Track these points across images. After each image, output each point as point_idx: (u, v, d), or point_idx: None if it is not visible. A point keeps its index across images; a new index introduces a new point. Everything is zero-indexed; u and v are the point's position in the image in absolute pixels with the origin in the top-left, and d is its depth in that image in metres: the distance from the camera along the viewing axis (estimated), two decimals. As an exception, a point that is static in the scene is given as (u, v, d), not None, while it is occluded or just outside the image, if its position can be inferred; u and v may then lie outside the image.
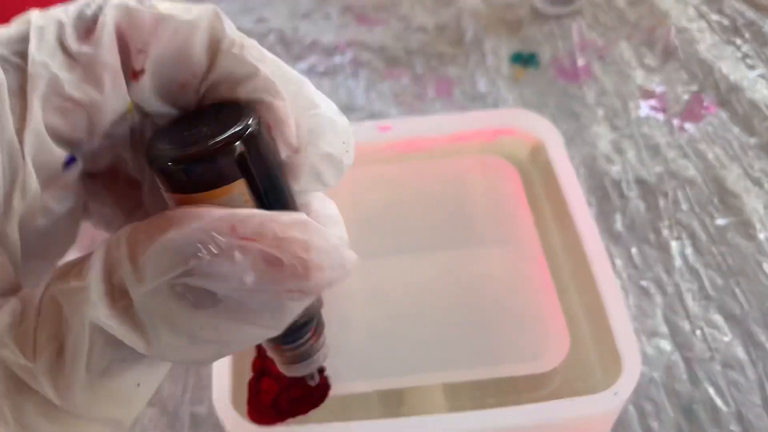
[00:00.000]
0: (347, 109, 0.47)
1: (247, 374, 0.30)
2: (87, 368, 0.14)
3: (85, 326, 0.14)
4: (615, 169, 0.42)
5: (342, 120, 0.18)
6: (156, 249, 0.14)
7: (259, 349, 0.30)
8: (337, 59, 0.50)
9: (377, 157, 0.38)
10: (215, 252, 0.14)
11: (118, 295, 0.14)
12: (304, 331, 0.20)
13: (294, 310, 0.15)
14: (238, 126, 0.15)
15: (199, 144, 0.15)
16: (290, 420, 0.28)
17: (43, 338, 0.14)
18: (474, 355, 0.30)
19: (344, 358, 0.30)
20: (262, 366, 0.30)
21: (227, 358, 0.28)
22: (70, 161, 0.16)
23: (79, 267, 0.15)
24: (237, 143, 0.15)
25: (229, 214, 0.14)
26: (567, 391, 0.29)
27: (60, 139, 0.16)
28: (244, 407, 0.29)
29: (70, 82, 0.15)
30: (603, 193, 0.41)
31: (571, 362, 0.30)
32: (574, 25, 0.52)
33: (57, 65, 0.15)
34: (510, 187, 0.36)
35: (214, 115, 0.16)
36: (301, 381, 0.28)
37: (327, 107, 0.18)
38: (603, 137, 0.44)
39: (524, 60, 0.49)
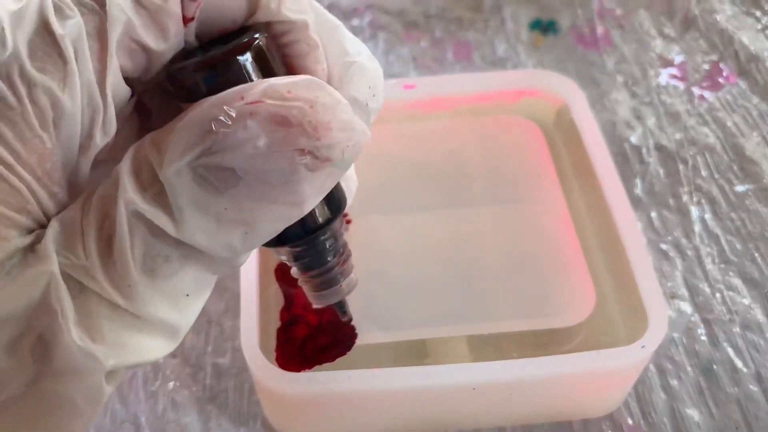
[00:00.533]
0: (365, 72, 0.47)
1: (274, 324, 0.30)
2: (134, 260, 0.15)
3: (123, 214, 0.15)
4: (635, 135, 0.42)
5: (371, 64, 0.19)
6: (175, 133, 0.15)
7: (287, 298, 0.30)
8: (356, 22, 0.50)
9: (401, 115, 0.38)
10: (227, 122, 0.15)
11: (147, 183, 0.15)
12: (328, 255, 0.20)
13: (312, 182, 0.16)
14: (244, 39, 0.17)
15: (207, 55, 0.17)
16: (317, 367, 0.28)
17: (91, 237, 0.15)
18: (498, 309, 0.31)
19: (371, 310, 0.30)
20: (290, 315, 0.30)
21: (255, 308, 0.28)
22: (131, 95, 0.17)
23: (112, 173, 0.16)
24: (242, 52, 0.16)
25: (237, 88, 0.15)
26: (590, 346, 0.29)
27: (125, 78, 0.16)
28: (271, 355, 0.29)
29: (140, 26, 0.16)
30: (623, 159, 0.41)
31: (595, 318, 0.30)
32: (593, -6, 0.51)
33: (130, 10, 0.16)
34: (534, 147, 0.36)
35: (231, 39, 0.17)
36: (328, 328, 0.28)
37: (356, 52, 0.19)
38: (623, 104, 0.44)
39: (544, 27, 0.49)
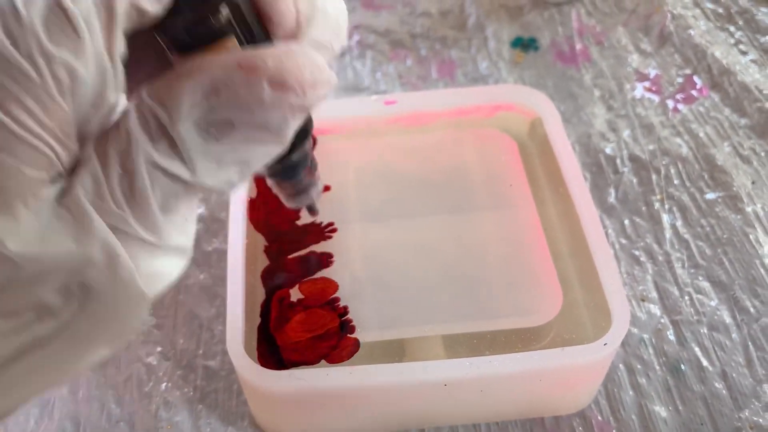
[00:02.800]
0: (354, 89, 0.49)
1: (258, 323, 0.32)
2: (156, 203, 0.18)
3: (143, 166, 0.18)
4: (610, 147, 0.44)
5: (333, 6, 0.21)
6: (181, 93, 0.18)
7: (268, 296, 0.32)
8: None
9: (383, 129, 0.40)
10: (229, 85, 0.18)
11: (157, 136, 0.18)
12: (300, 168, 0.24)
13: (293, 125, 0.19)
14: None
15: (192, 12, 0.19)
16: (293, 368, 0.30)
17: (116, 188, 0.18)
18: (472, 310, 0.32)
19: (352, 312, 0.32)
20: (273, 312, 0.32)
21: (240, 308, 0.30)
22: None
23: (115, 126, 0.18)
24: (222, 4, 0.18)
25: (232, 56, 0.18)
26: (559, 345, 0.31)
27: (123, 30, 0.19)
28: (255, 355, 0.31)
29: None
30: (598, 169, 0.43)
31: (563, 318, 0.32)
32: (573, 12, 0.54)
33: None
34: (508, 158, 0.38)
35: None
36: (324, 337, 0.30)
37: None
38: (599, 117, 0.46)
39: (524, 44, 0.51)
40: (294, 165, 0.24)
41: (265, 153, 0.20)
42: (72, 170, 0.18)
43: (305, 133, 0.23)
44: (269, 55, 0.18)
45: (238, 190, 0.35)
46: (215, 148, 0.18)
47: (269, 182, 0.25)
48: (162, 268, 0.19)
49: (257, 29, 0.20)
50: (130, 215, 0.18)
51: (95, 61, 0.17)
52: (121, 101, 0.19)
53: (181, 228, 0.19)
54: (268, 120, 0.18)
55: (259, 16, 0.20)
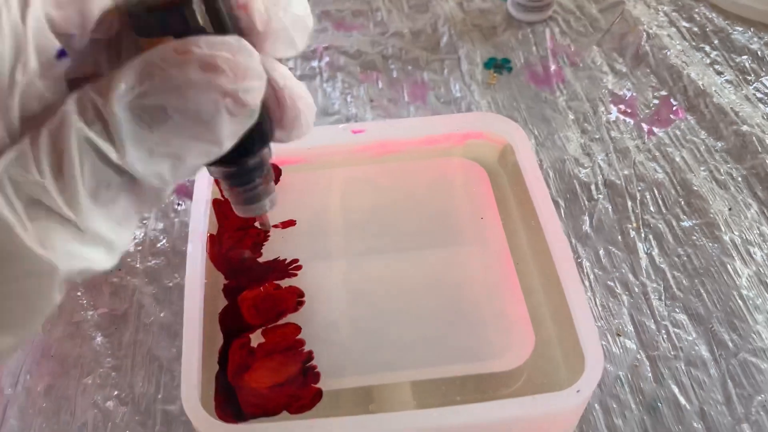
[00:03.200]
0: (324, 113, 0.48)
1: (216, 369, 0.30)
2: (83, 180, 0.18)
3: (74, 139, 0.18)
4: (584, 172, 0.43)
5: (299, 6, 0.21)
6: (116, 77, 0.18)
7: (228, 347, 0.31)
8: (314, 63, 0.51)
9: (350, 159, 0.38)
10: (163, 67, 0.18)
11: (91, 119, 0.18)
12: (255, 175, 0.24)
13: (229, 124, 0.19)
14: None
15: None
16: (254, 420, 0.28)
17: (43, 155, 0.18)
18: (441, 353, 0.31)
19: (316, 356, 0.30)
20: (234, 363, 0.30)
21: (196, 355, 0.29)
22: (61, 54, 0.19)
23: (52, 112, 0.18)
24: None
25: (171, 44, 0.18)
26: (532, 389, 0.30)
27: (55, 30, 0.18)
28: (212, 405, 0.29)
29: None
30: (572, 195, 0.42)
31: (536, 360, 0.31)
32: (547, 31, 0.53)
33: None
34: (479, 189, 0.37)
35: None
36: (282, 381, 0.29)
37: None
38: (573, 141, 0.45)
39: (498, 65, 0.50)
40: (249, 170, 0.23)
41: (200, 151, 0.19)
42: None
43: (262, 138, 0.22)
44: (204, 41, 0.19)
45: (195, 222, 0.34)
46: (148, 136, 0.18)
47: (222, 186, 0.24)
48: (82, 252, 0.19)
49: (227, 28, 0.20)
50: (54, 187, 0.18)
51: (12, 36, 0.17)
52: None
53: (115, 225, 0.19)
54: (200, 107, 0.18)
55: (231, 15, 0.20)
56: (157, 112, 0.18)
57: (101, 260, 0.19)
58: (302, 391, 0.29)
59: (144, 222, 0.41)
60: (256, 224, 0.28)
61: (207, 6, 0.19)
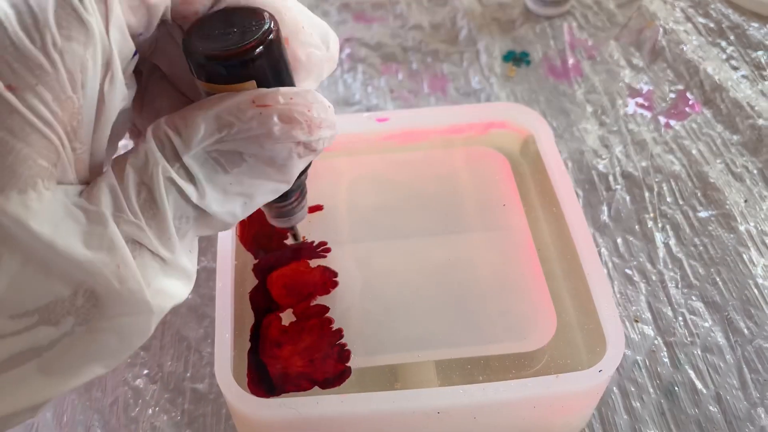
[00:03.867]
0: (345, 103, 0.48)
1: (248, 347, 0.31)
2: (170, 217, 0.19)
3: (161, 179, 0.19)
4: (602, 163, 0.44)
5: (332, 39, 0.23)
6: (196, 122, 0.19)
7: (257, 321, 0.31)
8: (335, 55, 0.52)
9: (375, 147, 0.39)
10: (241, 118, 0.19)
11: (171, 160, 0.19)
12: (291, 194, 0.26)
13: (299, 166, 0.21)
14: (260, 31, 0.20)
15: (230, 44, 0.19)
16: (286, 395, 0.29)
17: (133, 199, 0.18)
18: (465, 334, 0.32)
19: (345, 337, 0.31)
20: (261, 339, 0.31)
21: (228, 332, 0.30)
22: (134, 54, 0.20)
23: (132, 149, 0.19)
24: (260, 47, 0.19)
25: (248, 94, 0.19)
26: (553, 370, 0.31)
27: (131, 33, 0.19)
28: (245, 380, 0.30)
29: None
30: (590, 186, 0.43)
31: (557, 343, 0.32)
32: (565, 26, 0.53)
33: None
34: (501, 177, 0.38)
35: (239, 17, 0.20)
36: (313, 358, 0.30)
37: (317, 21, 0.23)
38: (591, 133, 0.46)
39: (517, 58, 0.51)
40: (289, 191, 0.25)
41: (270, 189, 0.21)
42: (83, 181, 0.19)
43: (306, 166, 0.24)
44: (281, 93, 0.20)
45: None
46: (223, 178, 0.20)
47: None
48: (170, 287, 0.19)
49: (284, 74, 0.21)
50: (146, 226, 0.18)
51: (102, 53, 0.18)
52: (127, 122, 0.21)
53: (188, 254, 0.20)
54: (275, 154, 0.20)
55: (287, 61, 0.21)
56: (233, 157, 0.19)
57: (184, 291, 0.20)
58: (332, 368, 0.30)
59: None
60: (288, 237, 0.30)
61: (269, 57, 0.20)
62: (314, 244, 0.35)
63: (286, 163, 0.20)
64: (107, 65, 0.18)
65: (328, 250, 0.35)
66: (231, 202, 0.20)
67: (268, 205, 0.26)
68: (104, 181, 0.18)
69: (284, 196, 0.25)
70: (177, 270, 0.20)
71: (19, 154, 0.16)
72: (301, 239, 0.32)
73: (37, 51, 0.16)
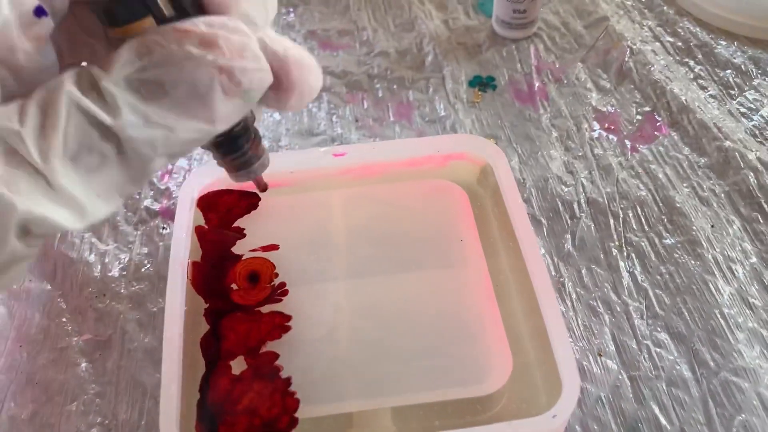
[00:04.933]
0: (309, 134, 0.48)
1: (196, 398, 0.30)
2: (65, 139, 0.19)
3: (64, 100, 0.19)
4: (567, 190, 0.43)
5: None
6: (119, 52, 0.19)
7: (208, 372, 0.31)
8: (300, 84, 0.51)
9: (333, 182, 0.38)
10: (162, 43, 0.19)
11: (87, 89, 0.19)
12: (242, 141, 0.25)
13: (225, 103, 0.20)
14: None
15: None
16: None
17: (30, 110, 0.19)
18: (421, 378, 0.31)
19: (296, 384, 0.31)
20: (215, 390, 0.30)
21: (177, 382, 0.29)
22: (39, 11, 0.20)
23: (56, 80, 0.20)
24: None
25: (172, 24, 0.20)
26: (511, 413, 0.30)
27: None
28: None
29: None
30: (555, 214, 0.42)
31: (514, 384, 0.31)
32: (531, 48, 0.53)
33: None
34: (460, 211, 0.37)
35: None
36: (260, 408, 0.29)
37: None
38: (556, 159, 0.45)
39: (483, 83, 0.50)
40: (235, 137, 0.24)
41: (193, 128, 0.20)
42: None
43: None
44: (203, 20, 0.20)
45: (176, 248, 0.34)
46: (144, 107, 0.19)
47: (214, 156, 0.25)
48: (47, 205, 0.19)
49: (192, 8, 0.21)
50: (31, 138, 0.18)
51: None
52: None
53: (92, 194, 0.20)
54: (196, 80, 0.20)
55: None
56: (155, 87, 0.19)
57: (67, 220, 0.20)
58: (281, 420, 0.29)
59: (129, 246, 0.41)
60: (255, 189, 0.30)
61: None
62: (274, 286, 0.34)
63: (209, 94, 0.20)
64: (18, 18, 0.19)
65: (285, 292, 0.34)
66: (151, 130, 0.20)
67: (224, 160, 0.25)
68: (10, 100, 0.19)
69: (235, 146, 0.25)
70: (63, 197, 0.19)
71: None
72: (266, 187, 0.31)
73: None
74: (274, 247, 0.36)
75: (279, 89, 0.22)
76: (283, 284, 0.34)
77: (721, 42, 0.52)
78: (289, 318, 0.33)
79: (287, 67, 0.22)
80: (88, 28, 0.23)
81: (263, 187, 0.31)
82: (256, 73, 0.21)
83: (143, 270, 0.40)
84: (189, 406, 0.30)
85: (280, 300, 0.34)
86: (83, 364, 0.36)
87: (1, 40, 0.19)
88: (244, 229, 0.36)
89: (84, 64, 0.20)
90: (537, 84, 0.50)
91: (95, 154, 0.20)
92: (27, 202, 0.19)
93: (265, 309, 0.33)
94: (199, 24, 0.20)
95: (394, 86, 0.51)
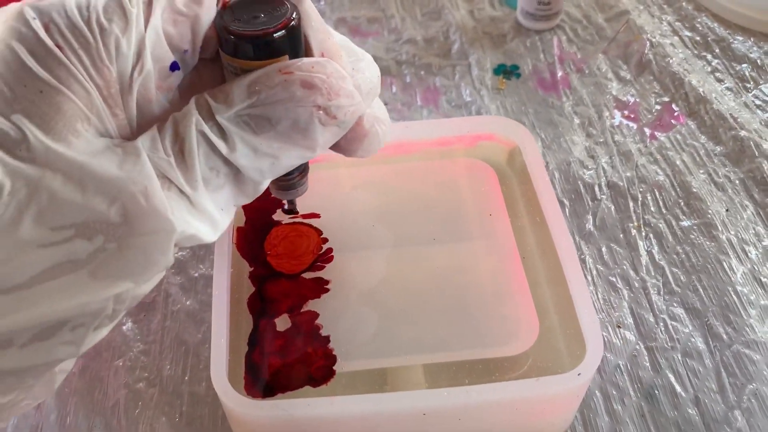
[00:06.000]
0: (340, 115, 0.50)
1: (244, 350, 0.32)
2: (198, 163, 0.22)
3: (194, 129, 0.22)
4: (588, 174, 0.45)
5: (368, 66, 0.27)
6: (233, 90, 0.23)
7: (255, 327, 0.33)
8: (331, 68, 0.53)
9: (367, 159, 0.40)
10: (269, 86, 0.22)
11: (207, 116, 0.22)
12: (296, 170, 0.29)
13: (322, 133, 0.23)
14: (285, 16, 0.23)
15: (260, 26, 0.23)
16: (280, 395, 0.31)
17: (168, 143, 0.22)
18: (451, 339, 0.33)
19: (335, 342, 0.33)
20: (257, 344, 0.32)
21: (224, 336, 0.31)
22: (174, 66, 0.23)
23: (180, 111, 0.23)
24: (285, 29, 0.23)
25: (276, 65, 0.23)
26: (536, 373, 0.32)
27: (171, 45, 0.23)
28: (242, 382, 0.31)
29: (180, 0, 0.23)
30: (576, 196, 0.44)
31: (540, 347, 0.33)
32: (554, 39, 0.55)
33: None
34: (488, 188, 0.39)
35: (264, 4, 0.24)
36: (297, 358, 0.31)
37: (362, 54, 0.27)
38: (578, 144, 0.47)
39: (507, 71, 0.52)
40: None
41: (296, 155, 0.24)
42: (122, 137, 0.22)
43: None
44: (303, 62, 0.23)
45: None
46: (253, 139, 0.23)
47: None
48: (194, 224, 0.23)
49: (302, 54, 0.24)
50: (174, 163, 0.22)
51: (136, 42, 0.22)
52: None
53: (218, 209, 0.24)
54: (298, 116, 0.23)
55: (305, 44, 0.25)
56: (263, 121, 0.23)
57: (207, 233, 0.23)
58: (320, 370, 0.31)
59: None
60: (285, 206, 0.33)
61: (290, 35, 0.24)
62: (317, 254, 0.36)
63: (308, 127, 0.23)
64: (139, 55, 0.22)
65: (329, 259, 0.36)
66: (260, 160, 0.23)
67: (274, 180, 0.28)
68: (146, 133, 0.22)
69: (288, 173, 0.28)
70: (202, 213, 0.23)
71: (65, 96, 0.21)
72: (297, 212, 0.35)
73: (83, 24, 0.21)
74: (315, 215, 0.38)
75: (350, 137, 0.26)
76: (328, 251, 0.36)
77: (738, 37, 0.54)
78: (327, 282, 0.35)
79: (361, 119, 0.26)
80: (205, 80, 0.26)
81: (292, 209, 0.34)
82: (349, 108, 0.24)
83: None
84: (235, 359, 0.32)
85: (323, 267, 0.36)
86: (129, 324, 0.39)
87: (141, 92, 0.23)
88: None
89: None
90: (560, 73, 0.52)
91: (221, 177, 0.23)
92: (181, 222, 0.22)
93: (307, 274, 0.35)
94: (302, 66, 0.23)
95: (422, 72, 0.53)
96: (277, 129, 0.23)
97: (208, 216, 0.23)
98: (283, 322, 0.33)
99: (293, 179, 0.29)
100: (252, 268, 0.35)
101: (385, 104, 0.50)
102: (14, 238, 0.20)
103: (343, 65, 0.25)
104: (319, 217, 0.37)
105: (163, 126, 0.22)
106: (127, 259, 0.21)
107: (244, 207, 0.37)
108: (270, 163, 0.23)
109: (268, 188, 0.27)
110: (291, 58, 0.24)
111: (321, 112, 0.23)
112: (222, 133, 0.22)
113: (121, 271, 0.21)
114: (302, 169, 0.30)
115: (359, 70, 0.26)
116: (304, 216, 0.38)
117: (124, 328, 0.38)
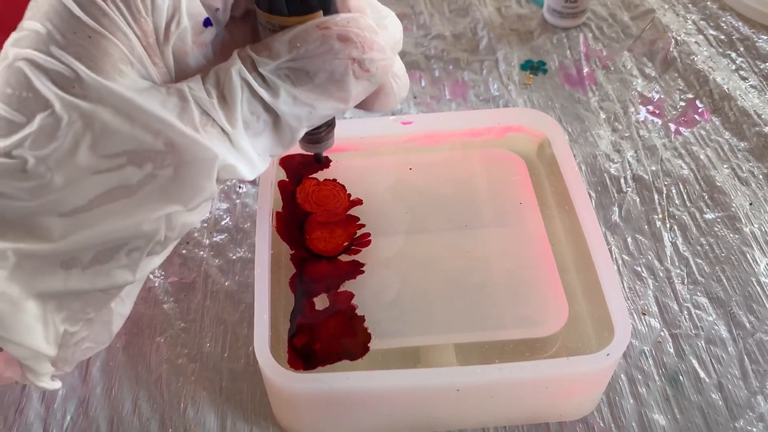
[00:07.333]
0: (370, 108, 0.51)
1: (284, 330, 0.34)
2: (240, 106, 0.24)
3: (238, 76, 0.24)
4: (614, 167, 0.46)
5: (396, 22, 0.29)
6: (274, 44, 0.24)
7: (297, 306, 0.34)
8: (362, 62, 0.55)
9: (400, 148, 0.42)
10: (307, 39, 0.24)
11: (251, 67, 0.24)
12: (324, 125, 0.31)
13: (356, 86, 0.25)
14: None
15: None
16: (320, 368, 0.32)
17: (210, 85, 0.24)
18: (483, 320, 0.34)
19: (369, 321, 0.34)
20: (300, 321, 0.34)
21: (266, 313, 0.32)
22: (207, 23, 0.25)
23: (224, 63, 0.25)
24: None
25: (314, 21, 0.24)
26: (564, 354, 0.33)
27: (203, 2, 0.25)
28: (283, 357, 0.33)
29: None
30: (603, 188, 0.45)
31: (569, 330, 0.34)
32: (580, 37, 0.56)
33: None
34: (518, 178, 0.40)
35: None
36: (337, 334, 0.33)
37: (387, 12, 0.28)
38: (604, 138, 0.48)
39: (534, 67, 0.54)
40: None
41: (330, 105, 0.25)
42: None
43: None
44: (339, 18, 0.24)
45: (263, 199, 0.38)
46: (293, 90, 0.24)
47: None
48: (233, 160, 0.24)
49: (334, 7, 0.26)
50: (217, 103, 0.24)
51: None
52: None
53: (257, 154, 0.25)
54: (334, 68, 0.24)
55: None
56: (302, 74, 0.24)
57: (245, 171, 0.25)
58: (356, 346, 0.33)
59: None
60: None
61: None
62: (353, 238, 0.37)
63: (343, 78, 0.24)
64: (175, 9, 0.23)
65: (366, 243, 0.37)
66: (298, 107, 0.25)
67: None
68: (191, 78, 0.24)
69: (317, 126, 0.30)
70: (241, 152, 0.24)
71: (110, 41, 0.22)
72: (323, 161, 0.39)
73: None
74: (358, 202, 0.39)
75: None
76: (365, 235, 0.38)
77: (762, 36, 0.55)
78: (363, 264, 0.36)
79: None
80: (236, 37, 0.28)
81: (320, 159, 0.38)
82: (381, 62, 0.25)
83: (222, 223, 0.44)
84: (275, 335, 0.34)
85: (359, 251, 0.37)
86: (170, 303, 0.40)
87: (178, 45, 0.24)
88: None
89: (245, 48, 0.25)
90: (586, 70, 0.53)
91: (260, 122, 0.25)
92: (222, 152, 0.24)
93: (344, 257, 0.37)
94: (338, 21, 0.24)
95: (450, 67, 0.54)
96: (315, 81, 0.24)
97: (247, 156, 0.25)
98: (321, 302, 0.35)
99: (321, 133, 0.31)
100: (293, 251, 0.37)
101: (414, 97, 0.52)
102: (72, 164, 0.22)
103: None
104: (362, 203, 0.39)
105: (207, 75, 0.24)
106: (176, 184, 0.23)
107: (282, 192, 0.39)
108: (307, 111, 0.25)
109: (296, 187, 0.29)
110: (324, 14, 0.25)
111: (356, 65, 0.24)
112: (265, 83, 0.24)
113: (170, 195, 0.23)
114: (330, 124, 0.31)
115: (384, 27, 0.27)
116: (349, 204, 0.39)
117: (166, 306, 0.40)
